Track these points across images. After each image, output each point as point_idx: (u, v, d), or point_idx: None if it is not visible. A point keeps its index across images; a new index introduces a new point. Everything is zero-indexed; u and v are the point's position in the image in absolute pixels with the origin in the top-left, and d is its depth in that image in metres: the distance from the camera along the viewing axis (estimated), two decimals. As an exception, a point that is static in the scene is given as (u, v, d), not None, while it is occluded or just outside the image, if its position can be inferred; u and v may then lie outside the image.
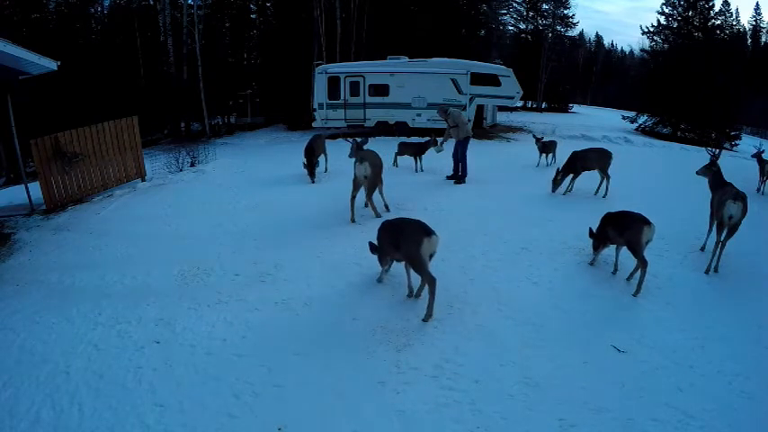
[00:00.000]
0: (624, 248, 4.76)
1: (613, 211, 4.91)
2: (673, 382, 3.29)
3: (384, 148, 11.38)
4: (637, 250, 4.47)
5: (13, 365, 3.59)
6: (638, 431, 2.89)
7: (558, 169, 7.67)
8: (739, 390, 3.24)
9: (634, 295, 4.43)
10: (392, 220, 4.48)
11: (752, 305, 4.35)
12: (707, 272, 4.91)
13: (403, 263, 4.32)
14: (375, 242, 4.51)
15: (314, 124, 15.53)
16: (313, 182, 8.47)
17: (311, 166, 8.56)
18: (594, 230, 4.96)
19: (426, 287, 4.05)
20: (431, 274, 3.96)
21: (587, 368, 3.43)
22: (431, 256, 4.01)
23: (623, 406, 3.06)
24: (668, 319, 4.08)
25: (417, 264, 3.97)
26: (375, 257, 4.57)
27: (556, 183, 7.60)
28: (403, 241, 4.04)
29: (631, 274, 4.63)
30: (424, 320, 3.97)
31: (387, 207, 6.53)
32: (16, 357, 3.69)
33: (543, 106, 30.21)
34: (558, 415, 2.98)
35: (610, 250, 5.10)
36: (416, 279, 4.23)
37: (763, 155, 8.73)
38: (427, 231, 3.97)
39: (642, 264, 4.46)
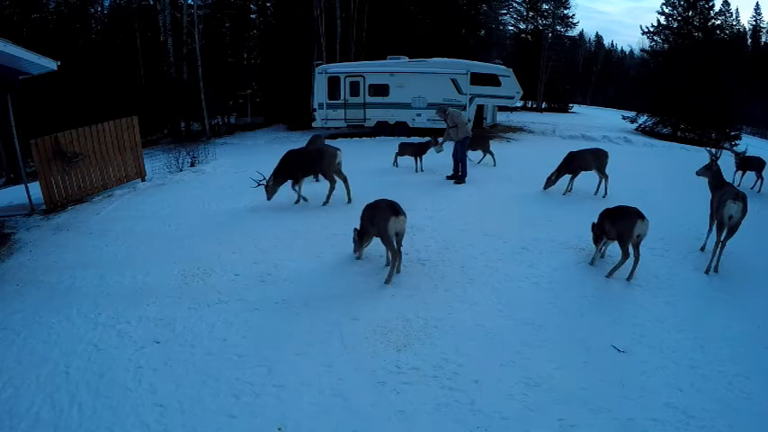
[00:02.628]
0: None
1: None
2: (673, 382, 3.29)
3: (384, 148, 11.41)
4: (625, 241, 4.55)
5: (13, 365, 3.59)
6: (638, 431, 2.89)
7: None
8: (739, 390, 3.24)
9: (607, 276, 4.71)
10: (374, 201, 4.85)
11: (752, 305, 4.36)
12: (707, 272, 4.91)
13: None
14: (358, 228, 4.96)
15: (314, 124, 15.52)
16: (317, 181, 8.52)
17: None
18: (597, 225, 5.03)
19: (394, 266, 4.65)
20: (395, 248, 4.56)
21: (587, 368, 3.44)
22: (398, 233, 4.54)
23: (623, 406, 3.06)
24: (668, 319, 4.09)
25: (384, 237, 4.53)
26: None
27: (549, 182, 7.66)
28: (375, 217, 4.60)
29: (631, 274, 4.64)
30: (385, 282, 4.53)
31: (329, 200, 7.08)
32: (16, 357, 3.69)
33: (543, 106, 30.18)
34: (558, 415, 2.99)
35: (611, 252, 5.11)
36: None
37: (742, 155, 8.76)
38: (396, 211, 4.49)
39: (625, 256, 4.59)
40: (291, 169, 7.05)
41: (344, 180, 7.11)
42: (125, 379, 3.39)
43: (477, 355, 3.56)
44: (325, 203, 7.03)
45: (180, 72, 19.27)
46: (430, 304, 4.24)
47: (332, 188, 7.07)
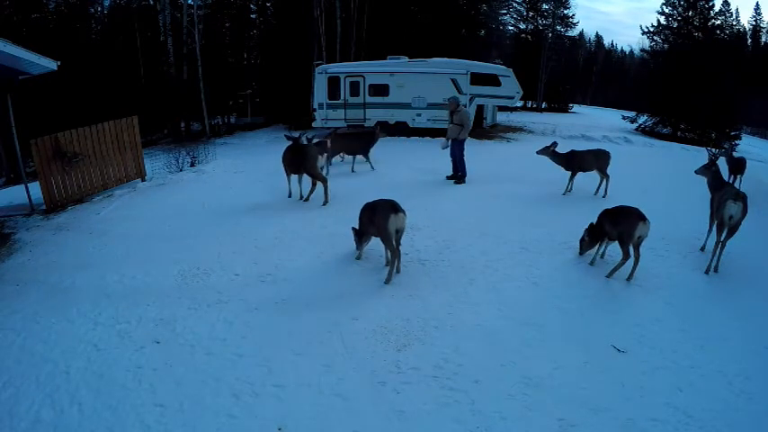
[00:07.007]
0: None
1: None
2: (673, 382, 3.29)
3: (384, 148, 11.38)
4: (626, 242, 4.55)
5: (13, 365, 3.58)
6: (638, 431, 2.89)
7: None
8: (739, 390, 3.24)
9: (607, 276, 4.69)
10: (372, 201, 4.88)
11: (752, 305, 4.36)
12: (707, 272, 4.91)
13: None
14: (357, 227, 4.99)
15: (314, 124, 15.53)
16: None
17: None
18: (593, 226, 5.00)
19: (393, 265, 4.66)
20: (394, 246, 4.56)
21: (587, 368, 3.44)
22: (398, 231, 4.58)
23: (623, 406, 3.06)
24: (668, 319, 4.09)
25: (384, 235, 4.55)
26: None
27: (545, 150, 7.76)
28: (375, 216, 4.62)
29: (631, 274, 4.64)
30: (385, 282, 4.54)
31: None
32: (16, 357, 3.68)
33: (543, 106, 30.21)
34: (558, 415, 2.98)
35: (612, 252, 5.11)
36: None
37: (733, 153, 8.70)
38: (395, 209, 4.54)
39: (625, 257, 4.59)
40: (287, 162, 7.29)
41: (323, 182, 7.17)
42: (125, 379, 3.38)
43: (477, 355, 3.56)
44: (324, 203, 7.03)
45: (180, 72, 19.27)
46: (430, 304, 4.24)
47: (325, 186, 7.12)
